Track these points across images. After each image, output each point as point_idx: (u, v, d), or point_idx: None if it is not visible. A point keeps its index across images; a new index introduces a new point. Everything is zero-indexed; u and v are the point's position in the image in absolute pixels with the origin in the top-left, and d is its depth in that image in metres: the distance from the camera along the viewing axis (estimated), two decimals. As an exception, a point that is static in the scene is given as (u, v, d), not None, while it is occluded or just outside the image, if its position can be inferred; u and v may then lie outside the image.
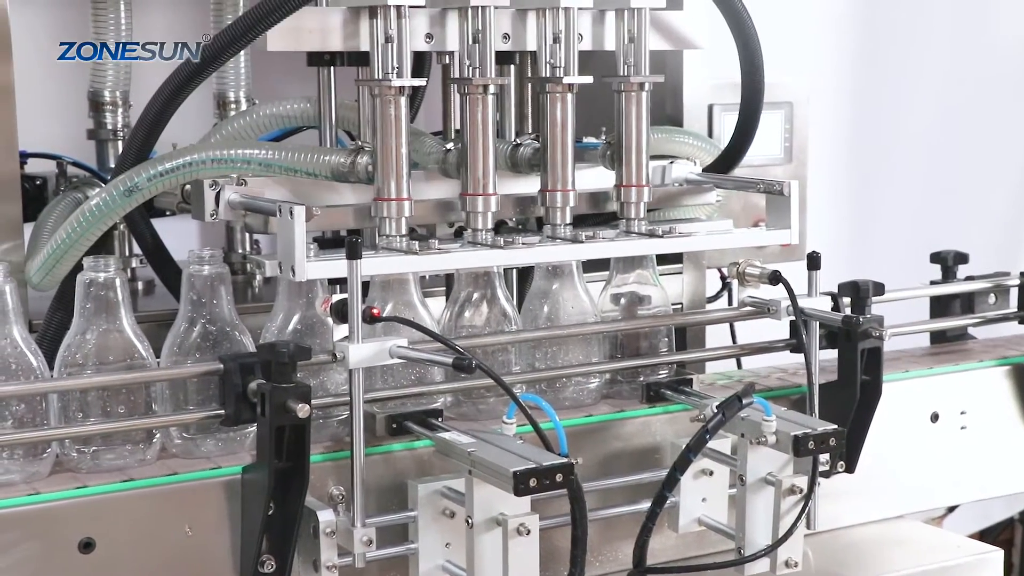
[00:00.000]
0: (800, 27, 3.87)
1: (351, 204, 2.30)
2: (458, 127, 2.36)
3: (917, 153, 4.28)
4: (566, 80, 2.32)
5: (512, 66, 2.51)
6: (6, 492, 1.97)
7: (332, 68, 2.38)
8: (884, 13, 4.17)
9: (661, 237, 2.38)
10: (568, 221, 2.36)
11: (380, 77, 2.17)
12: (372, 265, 2.15)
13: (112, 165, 2.71)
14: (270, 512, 2.01)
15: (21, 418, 2.04)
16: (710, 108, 2.85)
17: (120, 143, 2.77)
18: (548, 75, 2.33)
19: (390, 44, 2.16)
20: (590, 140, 2.59)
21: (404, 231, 2.22)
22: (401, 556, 2.13)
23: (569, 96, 2.33)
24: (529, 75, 2.53)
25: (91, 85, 2.76)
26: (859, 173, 4.22)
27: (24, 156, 2.54)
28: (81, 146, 2.80)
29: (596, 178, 2.50)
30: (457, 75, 2.29)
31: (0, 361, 2.03)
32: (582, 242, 2.32)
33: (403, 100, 2.19)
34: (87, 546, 1.97)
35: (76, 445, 2.06)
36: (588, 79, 2.34)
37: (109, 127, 2.77)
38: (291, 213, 2.05)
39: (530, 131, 2.55)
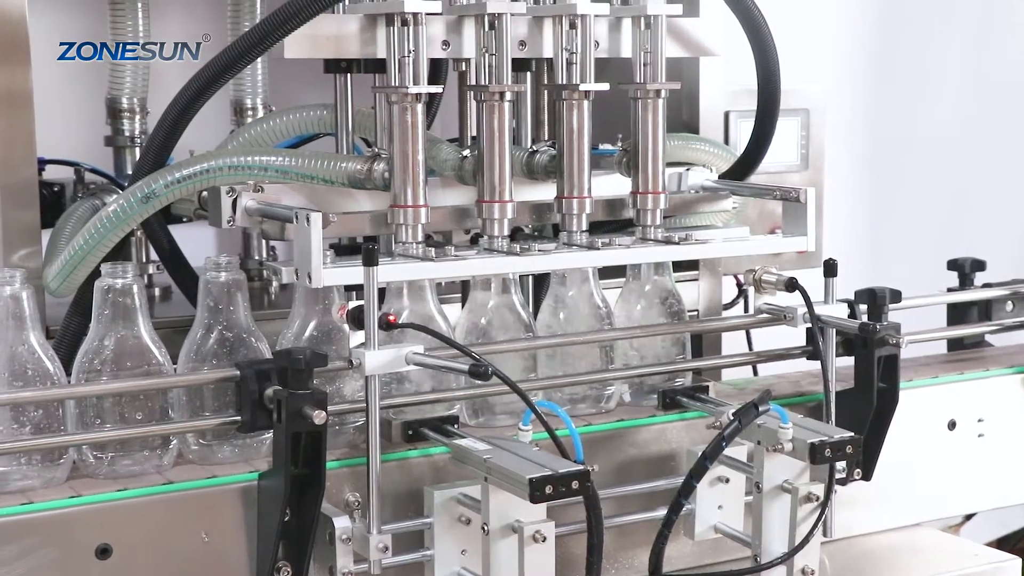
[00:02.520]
0: (817, 34, 3.87)
1: (368, 211, 2.30)
2: (474, 134, 2.36)
3: (934, 160, 4.27)
4: (582, 87, 2.31)
5: (528, 73, 2.51)
6: (24, 498, 1.98)
7: (349, 75, 2.38)
8: (901, 19, 4.17)
9: (677, 244, 2.38)
10: (584, 228, 2.35)
11: (397, 84, 2.18)
12: (388, 272, 2.15)
13: (130, 172, 2.72)
14: (286, 518, 2.01)
15: (38, 424, 2.04)
16: (726, 115, 2.84)
17: (137, 150, 2.78)
18: (564, 82, 2.33)
19: (407, 52, 2.16)
20: (606, 147, 2.59)
21: (420, 237, 2.22)
22: (417, 563, 2.13)
23: (585, 103, 2.33)
24: (545, 82, 2.53)
25: (109, 92, 2.76)
26: (876, 180, 4.21)
27: (42, 163, 2.55)
28: (99, 153, 2.81)
29: (612, 185, 2.50)
30: (474, 82, 2.29)
31: (17, 367, 2.03)
32: (598, 249, 2.32)
33: (420, 107, 2.19)
34: (104, 552, 1.97)
35: (93, 451, 2.07)
36: (604, 86, 2.34)
37: (127, 134, 2.78)
38: (307, 220, 2.05)
39: (546, 138, 2.54)
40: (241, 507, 2.06)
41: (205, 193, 2.28)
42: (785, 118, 2.67)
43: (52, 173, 2.70)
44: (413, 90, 2.17)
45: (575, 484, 1.97)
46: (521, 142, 2.50)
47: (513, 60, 2.27)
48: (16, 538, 1.92)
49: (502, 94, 2.24)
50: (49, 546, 1.94)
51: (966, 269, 2.93)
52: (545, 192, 2.43)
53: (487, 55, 2.25)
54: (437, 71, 2.48)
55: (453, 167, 2.36)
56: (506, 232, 2.28)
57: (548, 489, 1.95)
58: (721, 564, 2.43)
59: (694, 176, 2.60)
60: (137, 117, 2.78)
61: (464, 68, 2.39)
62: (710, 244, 2.44)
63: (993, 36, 4.31)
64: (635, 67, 2.41)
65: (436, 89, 2.26)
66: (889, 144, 4.22)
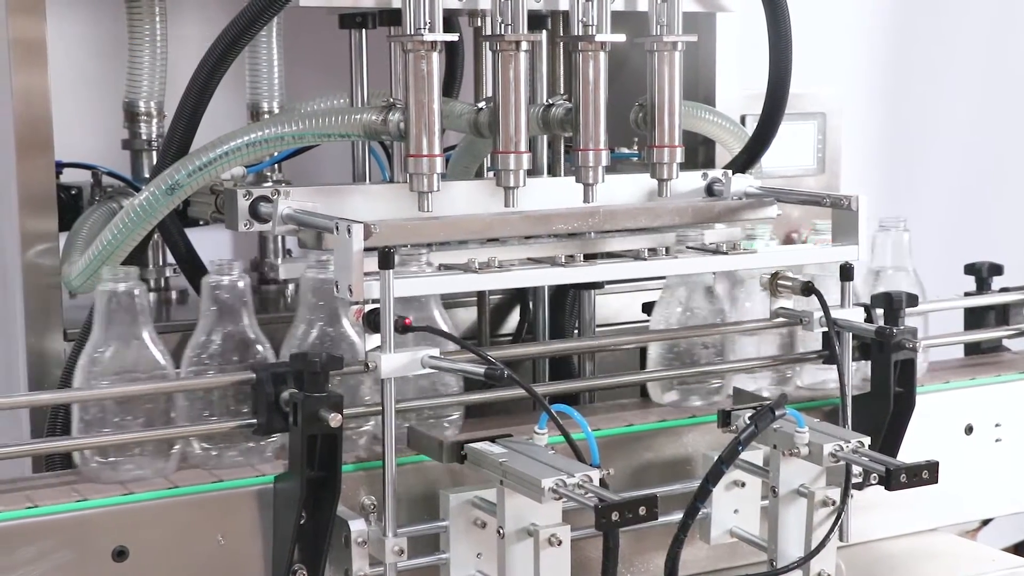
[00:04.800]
0: (833, 37, 3.87)
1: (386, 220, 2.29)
2: (489, 94, 2.33)
3: (951, 163, 4.26)
4: (598, 38, 2.28)
5: (544, 31, 2.48)
6: (40, 500, 1.98)
7: (364, 30, 2.39)
8: (917, 23, 4.16)
9: (726, 254, 2.36)
10: (600, 180, 2.32)
11: (412, 32, 2.15)
12: (429, 284, 2.15)
13: (147, 175, 2.72)
14: (302, 521, 2.01)
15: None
16: (743, 118, 2.84)
17: (155, 153, 2.79)
18: (580, 33, 2.29)
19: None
20: (622, 151, 2.58)
21: (437, 187, 2.20)
22: (432, 566, 2.13)
23: (601, 55, 2.29)
24: (561, 37, 2.51)
25: (126, 95, 2.77)
26: (892, 184, 4.20)
27: (60, 166, 2.55)
28: (116, 156, 2.81)
29: (629, 189, 2.49)
30: (490, 32, 2.27)
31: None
32: (646, 259, 2.31)
33: (435, 56, 2.16)
34: (120, 554, 1.97)
35: (95, 456, 2.05)
36: (621, 37, 2.30)
37: (144, 137, 2.78)
38: (348, 231, 2.02)
39: (562, 93, 2.52)
40: (257, 510, 2.06)
41: (221, 196, 2.28)
42: (802, 122, 2.66)
43: (70, 176, 2.71)
44: (428, 38, 2.14)
45: (590, 488, 1.97)
46: (536, 100, 2.46)
47: (529, 16, 2.24)
48: (33, 540, 1.93)
49: (518, 44, 2.21)
50: (66, 548, 1.94)
51: (983, 273, 2.93)
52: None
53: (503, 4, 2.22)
54: (451, 29, 2.47)
55: (469, 121, 2.34)
56: (522, 183, 2.25)
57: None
58: (737, 568, 2.43)
59: (737, 182, 2.57)
60: (154, 120, 2.78)
61: (480, 23, 2.37)
62: (760, 254, 2.41)
63: (1009, 39, 4.30)
64: (651, 20, 2.38)
65: (451, 37, 2.22)
66: (905, 147, 4.21)
